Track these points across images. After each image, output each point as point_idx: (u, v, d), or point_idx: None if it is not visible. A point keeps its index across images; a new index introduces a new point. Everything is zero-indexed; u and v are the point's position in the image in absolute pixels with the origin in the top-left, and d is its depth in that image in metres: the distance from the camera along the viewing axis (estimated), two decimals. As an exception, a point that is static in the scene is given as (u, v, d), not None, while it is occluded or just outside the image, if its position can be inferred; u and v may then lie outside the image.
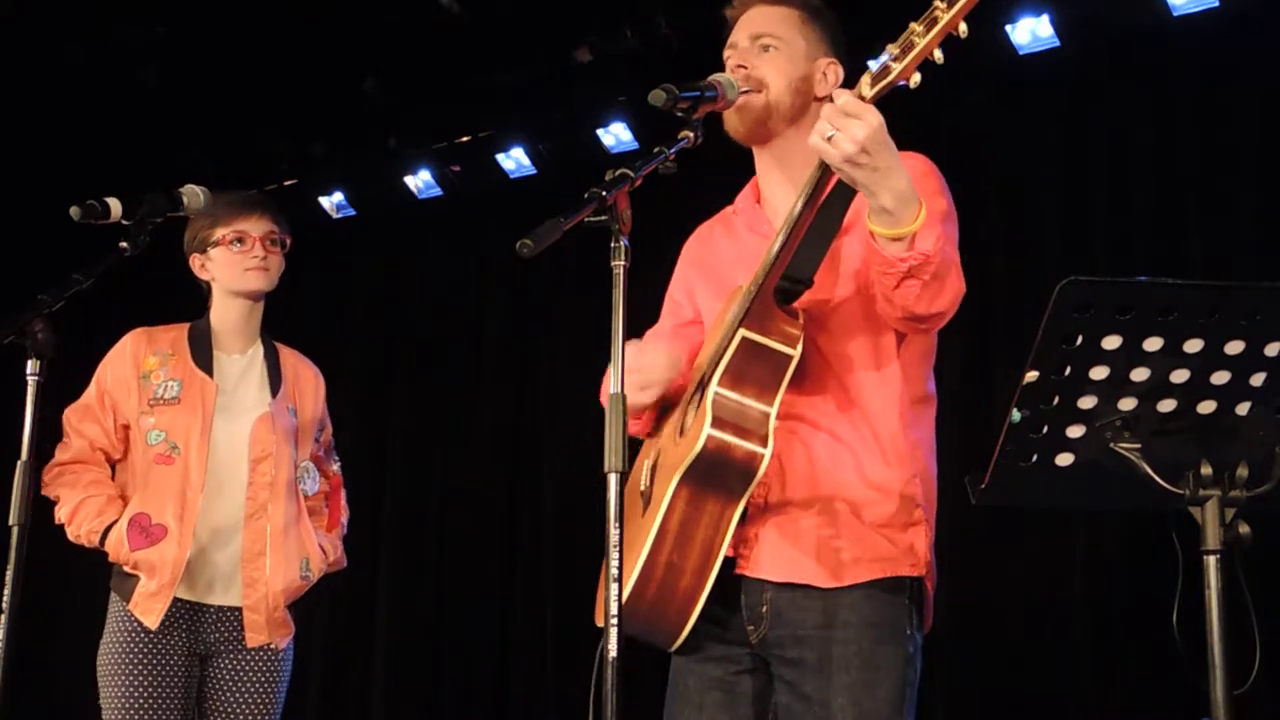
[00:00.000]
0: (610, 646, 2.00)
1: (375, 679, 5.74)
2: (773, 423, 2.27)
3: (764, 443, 2.26)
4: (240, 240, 3.40)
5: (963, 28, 2.04)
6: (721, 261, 2.60)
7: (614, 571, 2.00)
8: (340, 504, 3.66)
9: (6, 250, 5.93)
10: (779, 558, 2.36)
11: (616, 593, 2.01)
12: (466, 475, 5.77)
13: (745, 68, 2.46)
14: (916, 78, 2.08)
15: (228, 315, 3.48)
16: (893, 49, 2.08)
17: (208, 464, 3.32)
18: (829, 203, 2.27)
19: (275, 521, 3.36)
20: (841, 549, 2.34)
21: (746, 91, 2.42)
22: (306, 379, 3.59)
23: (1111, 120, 4.60)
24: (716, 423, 2.25)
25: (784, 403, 2.29)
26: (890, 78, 2.08)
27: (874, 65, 2.12)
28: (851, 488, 2.37)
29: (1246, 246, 4.30)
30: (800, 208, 2.26)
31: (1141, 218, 4.49)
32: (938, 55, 2.05)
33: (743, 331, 2.28)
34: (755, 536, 2.37)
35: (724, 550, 2.29)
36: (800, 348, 2.29)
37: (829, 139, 2.07)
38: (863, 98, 2.10)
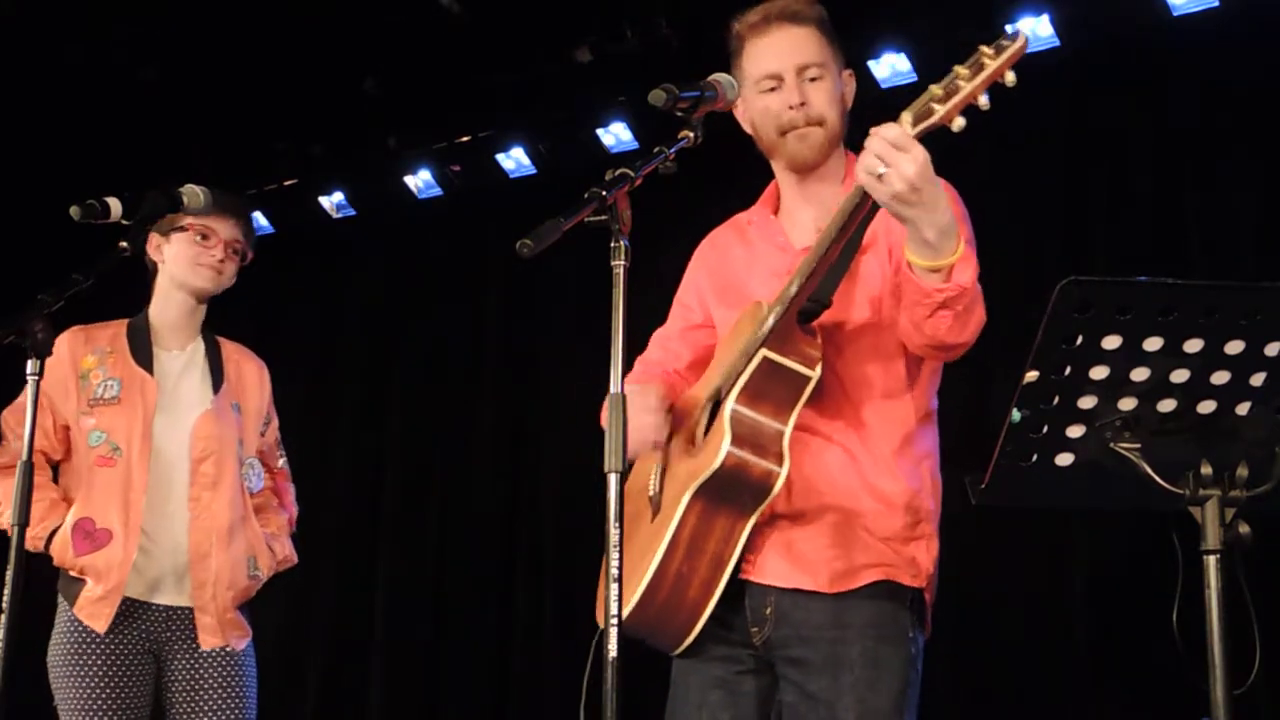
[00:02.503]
0: (610, 647, 2.00)
1: (374, 679, 5.73)
2: (787, 440, 2.28)
3: (780, 461, 2.28)
4: (205, 236, 3.36)
5: (1010, 76, 2.02)
6: (734, 269, 2.61)
7: (614, 571, 2.00)
8: (289, 500, 3.60)
9: (6, 250, 5.92)
10: (784, 565, 2.38)
11: (616, 593, 2.01)
12: (466, 475, 5.76)
13: (806, 104, 2.45)
14: (960, 121, 2.07)
15: (168, 310, 3.42)
16: (936, 90, 2.06)
17: (150, 464, 3.26)
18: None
19: (220, 521, 3.30)
20: (846, 557, 2.36)
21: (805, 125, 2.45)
22: (250, 373, 3.52)
23: (1111, 120, 4.59)
24: (736, 440, 2.27)
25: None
26: (934, 119, 2.07)
27: (916, 103, 2.09)
28: (858, 499, 2.38)
29: (1246, 246, 4.30)
30: (835, 234, 2.25)
31: (1141, 218, 4.48)
32: (983, 101, 2.05)
33: (764, 351, 2.29)
34: (761, 543, 2.39)
35: (733, 563, 2.32)
36: (819, 369, 2.30)
37: (879, 176, 2.05)
38: None
